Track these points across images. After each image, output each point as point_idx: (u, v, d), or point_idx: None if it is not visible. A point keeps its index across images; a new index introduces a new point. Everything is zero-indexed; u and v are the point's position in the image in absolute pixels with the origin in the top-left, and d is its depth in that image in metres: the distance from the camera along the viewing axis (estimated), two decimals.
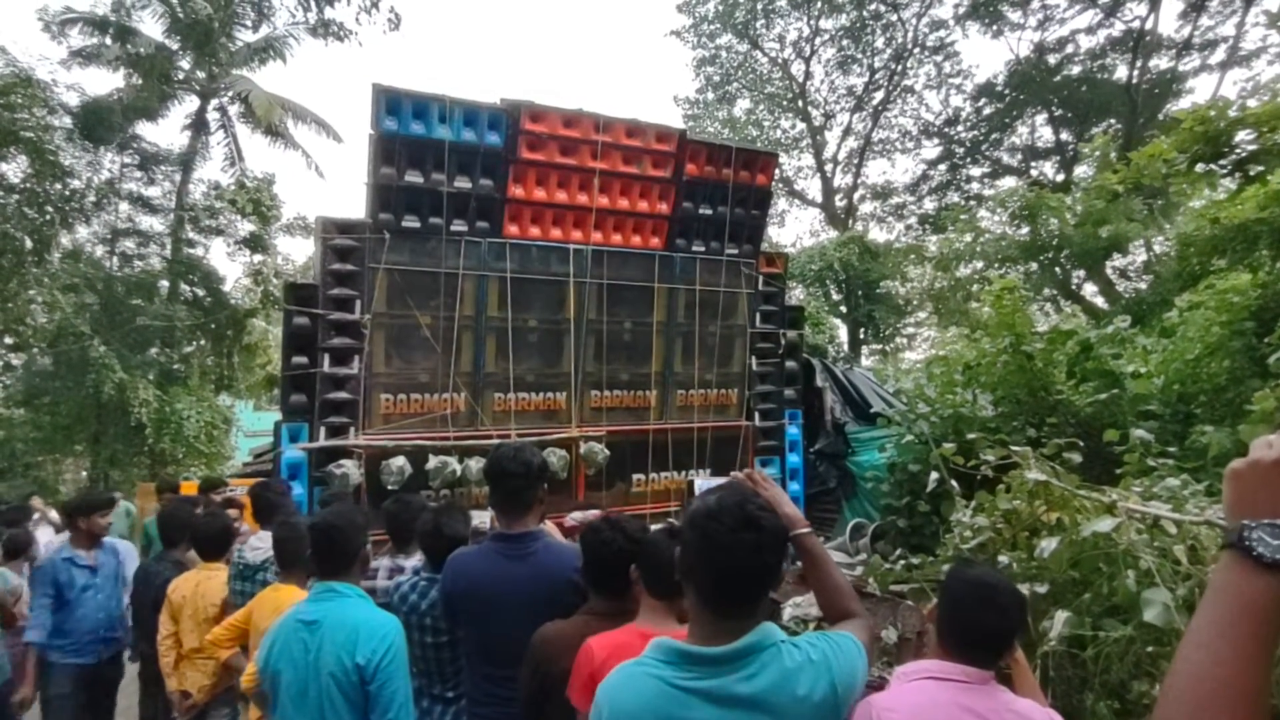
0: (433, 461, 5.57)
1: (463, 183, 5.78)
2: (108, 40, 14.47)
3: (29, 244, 13.09)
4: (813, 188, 24.91)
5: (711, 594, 1.45)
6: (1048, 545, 2.66)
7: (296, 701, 2.33)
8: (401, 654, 2.36)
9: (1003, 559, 2.94)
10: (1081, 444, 3.45)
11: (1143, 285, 13.77)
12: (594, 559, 2.26)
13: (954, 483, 3.61)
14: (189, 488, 6.61)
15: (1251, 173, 6.24)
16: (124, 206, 15.35)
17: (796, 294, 15.18)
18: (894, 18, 21.92)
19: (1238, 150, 6.29)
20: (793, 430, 7.23)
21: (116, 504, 5.82)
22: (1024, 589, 2.44)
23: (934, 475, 3.86)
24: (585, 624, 2.16)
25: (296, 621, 2.40)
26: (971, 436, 3.73)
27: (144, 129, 15.36)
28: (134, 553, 4.77)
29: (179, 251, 15.35)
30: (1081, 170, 18.66)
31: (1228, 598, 0.82)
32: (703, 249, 6.75)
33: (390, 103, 5.48)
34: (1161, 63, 18.52)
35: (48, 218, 13.16)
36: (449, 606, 2.52)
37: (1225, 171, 6.50)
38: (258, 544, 3.48)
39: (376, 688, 2.28)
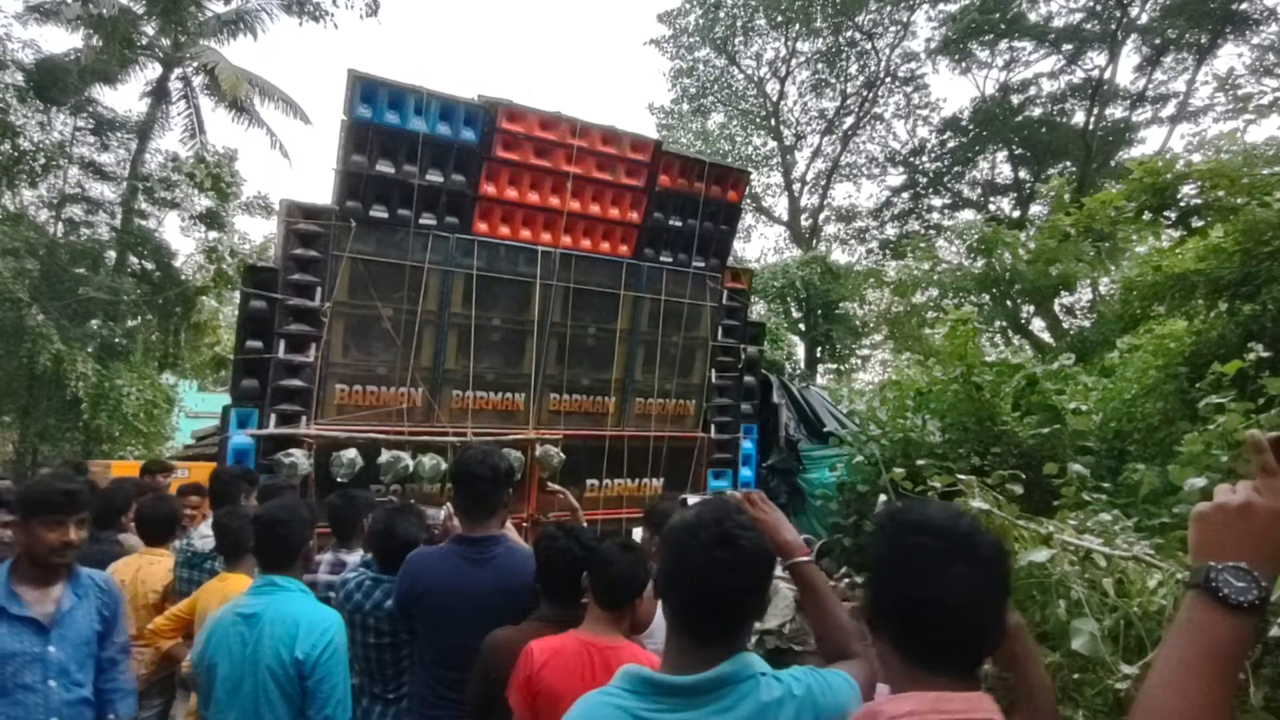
0: (385, 456, 5.50)
1: (434, 176, 5.74)
2: None
3: None
4: (779, 205, 25.29)
5: (684, 617, 1.34)
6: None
7: (231, 695, 2.29)
8: (341, 649, 2.34)
9: None
10: (1023, 475, 3.58)
11: (1087, 324, 14.32)
12: (547, 566, 2.27)
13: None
14: (129, 468, 6.33)
15: (1193, 225, 6.56)
16: (74, 171, 14.75)
17: (758, 309, 15.36)
18: (868, 46, 22.41)
19: (1181, 203, 6.60)
20: (747, 444, 7.33)
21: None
22: None
23: (882, 498, 3.96)
24: (535, 630, 2.18)
25: (235, 615, 2.36)
26: (920, 462, 3.84)
27: (101, 93, 14.81)
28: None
29: (130, 222, 14.79)
30: (1036, 209, 19.36)
31: (1193, 637, 0.85)
32: (670, 260, 6.82)
33: (365, 90, 5.43)
34: (1117, 111, 19.33)
35: None
36: (404, 607, 2.50)
37: (1169, 222, 6.82)
38: (206, 532, 3.39)
39: (315, 683, 2.26)
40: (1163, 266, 6.29)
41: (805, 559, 1.58)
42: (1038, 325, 15.46)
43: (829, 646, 1.56)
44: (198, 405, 18.11)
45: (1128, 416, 5.75)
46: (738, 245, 22.48)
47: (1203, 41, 17.23)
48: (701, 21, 22.97)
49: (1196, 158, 7.57)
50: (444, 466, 5.66)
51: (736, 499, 1.67)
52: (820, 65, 23.01)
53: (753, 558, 1.33)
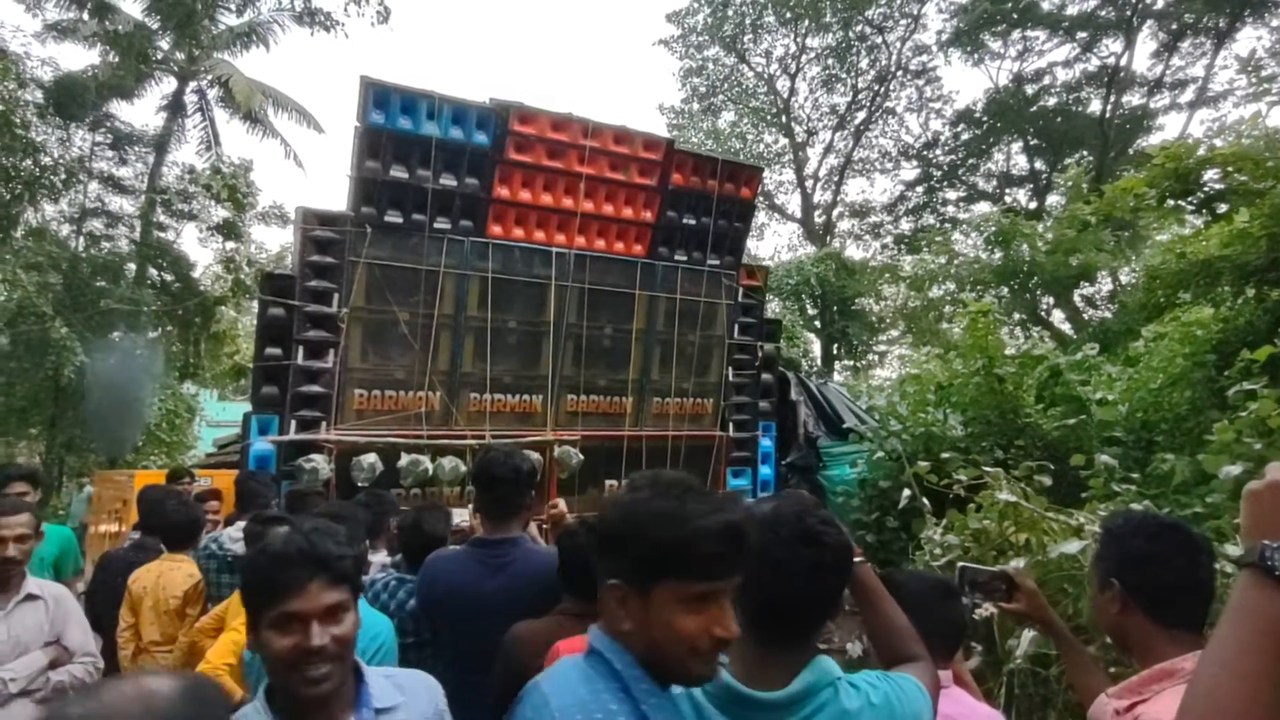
0: (405, 459, 5.51)
1: (448, 180, 5.75)
2: (85, 16, 14.13)
3: None
4: (792, 202, 25.20)
5: (761, 619, 1.25)
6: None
7: None
8: (390, 654, 2.26)
9: None
10: (1051, 466, 3.53)
11: (1108, 314, 14.13)
12: (568, 560, 2.26)
13: (925, 500, 3.67)
14: (154, 477, 6.40)
15: (1218, 210, 6.45)
16: (93, 186, 14.98)
17: (773, 307, 15.30)
18: (879, 40, 22.29)
19: (1205, 188, 6.49)
20: (766, 442, 7.28)
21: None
22: (990, 608, 2.49)
23: (905, 492, 3.92)
24: (558, 624, 2.17)
25: None
26: (945, 455, 3.79)
27: (118, 108, 15.04)
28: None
29: (149, 234, 15.00)
30: (1053, 199, 19.14)
31: (1249, 616, 0.84)
32: (685, 258, 6.79)
33: (378, 96, 5.44)
34: (1134, 99, 19.07)
35: (16, 193, 12.80)
36: (426, 609, 2.50)
37: (1192, 209, 6.71)
38: (238, 535, 3.41)
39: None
40: (1187, 253, 6.19)
41: (860, 559, 1.50)
42: (1057, 317, 15.28)
43: (887, 649, 1.51)
44: (218, 414, 18.31)
45: (1154, 406, 5.66)
46: (751, 243, 22.37)
47: (1221, 25, 16.96)
48: (710, 20, 22.93)
49: (1218, 143, 7.44)
50: (463, 469, 5.66)
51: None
52: (831, 60, 22.90)
53: (837, 555, 1.26)
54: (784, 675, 1.23)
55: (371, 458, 5.39)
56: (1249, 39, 26.61)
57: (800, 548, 1.23)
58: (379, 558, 3.32)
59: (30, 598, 2.67)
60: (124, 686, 0.98)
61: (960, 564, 2.00)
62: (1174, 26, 17.59)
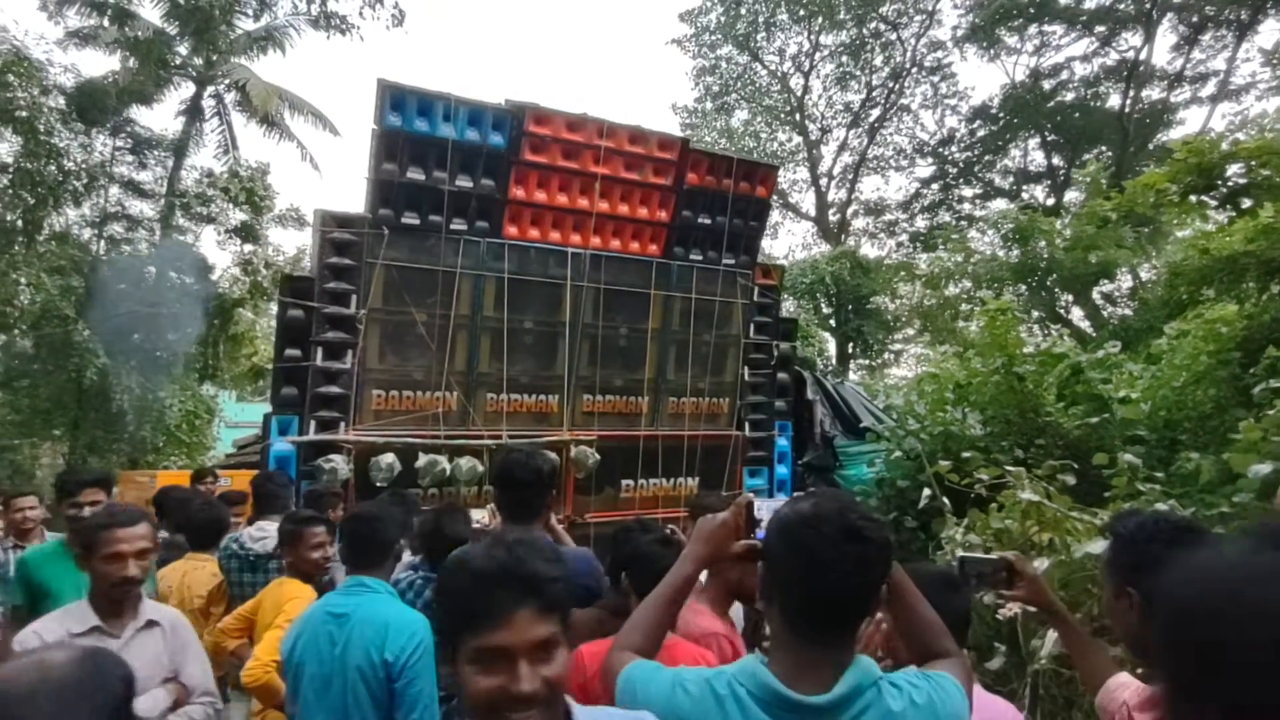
0: (422, 459, 5.55)
1: (464, 182, 5.78)
2: (105, 22, 14.33)
3: (19, 225, 12.92)
4: (807, 201, 25.08)
5: (805, 618, 1.24)
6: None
7: (319, 694, 2.28)
8: (429, 653, 2.28)
9: None
10: (1075, 465, 3.49)
11: (1129, 311, 13.96)
12: (618, 557, 2.29)
13: (945, 500, 3.65)
14: (178, 477, 6.47)
15: (1241, 205, 6.36)
16: (114, 190, 15.18)
17: (788, 306, 15.24)
18: (893, 37, 22.14)
19: (1228, 183, 6.40)
20: (782, 442, 7.26)
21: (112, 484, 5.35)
22: (1015, 608, 2.47)
23: (925, 492, 3.89)
24: (598, 617, 2.20)
25: (325, 614, 2.35)
26: (966, 455, 3.77)
27: (138, 113, 15.22)
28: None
29: (168, 238, 15.19)
30: (1072, 195, 18.93)
31: None
32: (700, 258, 6.78)
33: (395, 99, 5.48)
34: (1154, 93, 18.83)
35: (40, 198, 12.99)
36: None
37: (1215, 204, 6.62)
38: (259, 534, 3.44)
39: (403, 685, 2.23)
40: (1210, 249, 6.10)
41: None
42: (1076, 315, 15.11)
43: (920, 645, 1.47)
44: (237, 415, 18.49)
45: (1178, 404, 5.59)
46: (765, 242, 22.26)
47: (1243, 18, 16.71)
48: (723, 19, 22.87)
49: (1241, 137, 7.33)
50: (480, 469, 5.69)
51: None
52: (844, 58, 22.77)
53: (880, 552, 1.24)
54: (827, 676, 1.22)
55: (390, 458, 5.43)
56: (1272, 31, 26.23)
57: (846, 545, 1.20)
58: (406, 557, 3.34)
59: (150, 624, 2.29)
60: (26, 659, 1.07)
61: (960, 555, 1.98)
62: (1194, 19, 17.35)
